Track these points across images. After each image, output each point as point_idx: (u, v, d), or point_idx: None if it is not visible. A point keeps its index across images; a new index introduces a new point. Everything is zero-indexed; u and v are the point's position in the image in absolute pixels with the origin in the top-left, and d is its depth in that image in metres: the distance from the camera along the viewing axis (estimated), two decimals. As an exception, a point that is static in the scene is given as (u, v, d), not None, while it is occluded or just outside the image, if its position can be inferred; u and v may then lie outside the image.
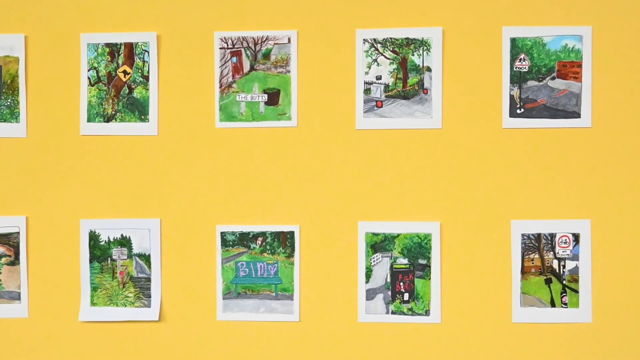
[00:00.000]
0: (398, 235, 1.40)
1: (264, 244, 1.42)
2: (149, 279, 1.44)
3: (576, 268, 1.38)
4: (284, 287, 1.42)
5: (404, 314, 1.40)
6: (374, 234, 1.40)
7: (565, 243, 1.38)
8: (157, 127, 1.43)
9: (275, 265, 1.42)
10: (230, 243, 1.43)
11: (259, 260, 1.43)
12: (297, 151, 1.41)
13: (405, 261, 1.40)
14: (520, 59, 1.38)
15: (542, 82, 1.38)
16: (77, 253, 1.45)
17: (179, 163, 1.43)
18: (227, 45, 1.42)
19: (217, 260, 1.43)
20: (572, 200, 1.37)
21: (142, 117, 1.44)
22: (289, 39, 1.41)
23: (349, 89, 1.40)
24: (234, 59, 1.42)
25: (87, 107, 1.44)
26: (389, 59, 1.40)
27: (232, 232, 1.42)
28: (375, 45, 1.40)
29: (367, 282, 1.41)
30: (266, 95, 1.42)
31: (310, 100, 1.41)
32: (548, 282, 1.38)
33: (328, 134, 1.41)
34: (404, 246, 1.40)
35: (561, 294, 1.38)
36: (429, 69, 1.39)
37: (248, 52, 1.42)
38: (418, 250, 1.40)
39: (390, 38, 1.39)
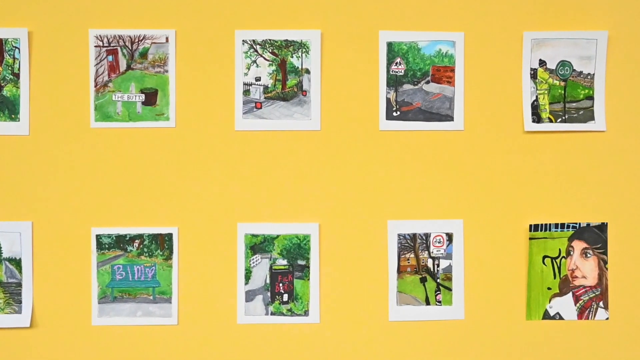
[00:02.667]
0: (277, 236, 1.40)
1: (141, 246, 1.40)
2: (19, 284, 1.39)
3: (450, 267, 1.42)
4: (161, 290, 1.40)
5: (283, 314, 1.41)
6: (253, 236, 1.40)
7: (439, 242, 1.42)
8: (28, 127, 1.38)
9: (153, 267, 1.40)
10: (106, 246, 1.39)
11: (136, 263, 1.40)
12: (174, 152, 1.39)
13: (285, 262, 1.41)
14: (396, 63, 1.41)
15: (417, 86, 1.41)
16: (-58, 258, 1.39)
17: (52, 164, 1.38)
18: (103, 43, 1.38)
19: (92, 264, 1.39)
20: (445, 201, 1.41)
21: (13, 116, 1.38)
22: (167, 39, 1.39)
23: (228, 90, 1.40)
24: (110, 58, 1.39)
25: (-48, 105, 1.38)
26: (268, 60, 1.40)
27: (108, 234, 1.39)
28: (255, 46, 1.40)
29: (246, 283, 1.40)
30: (143, 95, 1.39)
31: (189, 101, 1.39)
32: (423, 280, 1.42)
33: (207, 134, 1.39)
34: (283, 247, 1.40)
35: (435, 292, 1.42)
36: (307, 71, 1.40)
37: (124, 50, 1.39)
38: (297, 251, 1.40)
39: (270, 39, 1.40)
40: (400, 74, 1.41)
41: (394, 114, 1.41)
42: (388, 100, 1.40)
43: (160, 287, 1.40)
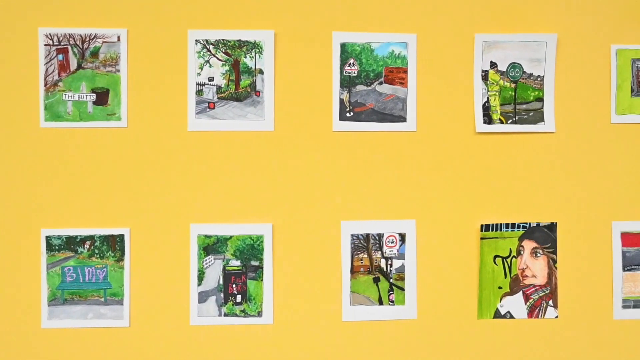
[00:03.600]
0: (230, 237, 1.40)
1: (92, 247, 1.38)
2: (-34, 287, 1.37)
3: (402, 267, 1.43)
4: (113, 292, 1.39)
5: (236, 315, 1.40)
6: (206, 236, 1.39)
7: (392, 243, 1.42)
8: (-25, 126, 1.36)
9: (104, 269, 1.38)
10: (56, 247, 1.37)
11: (87, 264, 1.38)
12: (126, 152, 1.38)
13: (238, 263, 1.40)
14: (350, 64, 1.41)
15: (370, 87, 1.42)
16: None
17: (1, 164, 1.36)
18: (53, 42, 1.37)
19: (41, 266, 1.37)
20: (398, 201, 1.42)
21: (-41, 115, 1.36)
22: (119, 37, 1.37)
23: (181, 90, 1.39)
24: (60, 57, 1.37)
25: None
26: (221, 60, 1.40)
27: (58, 236, 1.37)
28: (208, 46, 1.39)
29: (199, 284, 1.40)
30: (94, 94, 1.38)
31: (141, 101, 1.38)
32: (376, 280, 1.43)
33: (159, 135, 1.38)
34: (236, 248, 1.40)
35: (388, 292, 1.43)
36: (261, 72, 1.40)
37: (75, 49, 1.37)
38: (250, 252, 1.40)
39: (223, 40, 1.39)
40: (354, 74, 1.41)
41: (347, 114, 1.41)
42: (341, 100, 1.41)
43: (111, 288, 1.38)
